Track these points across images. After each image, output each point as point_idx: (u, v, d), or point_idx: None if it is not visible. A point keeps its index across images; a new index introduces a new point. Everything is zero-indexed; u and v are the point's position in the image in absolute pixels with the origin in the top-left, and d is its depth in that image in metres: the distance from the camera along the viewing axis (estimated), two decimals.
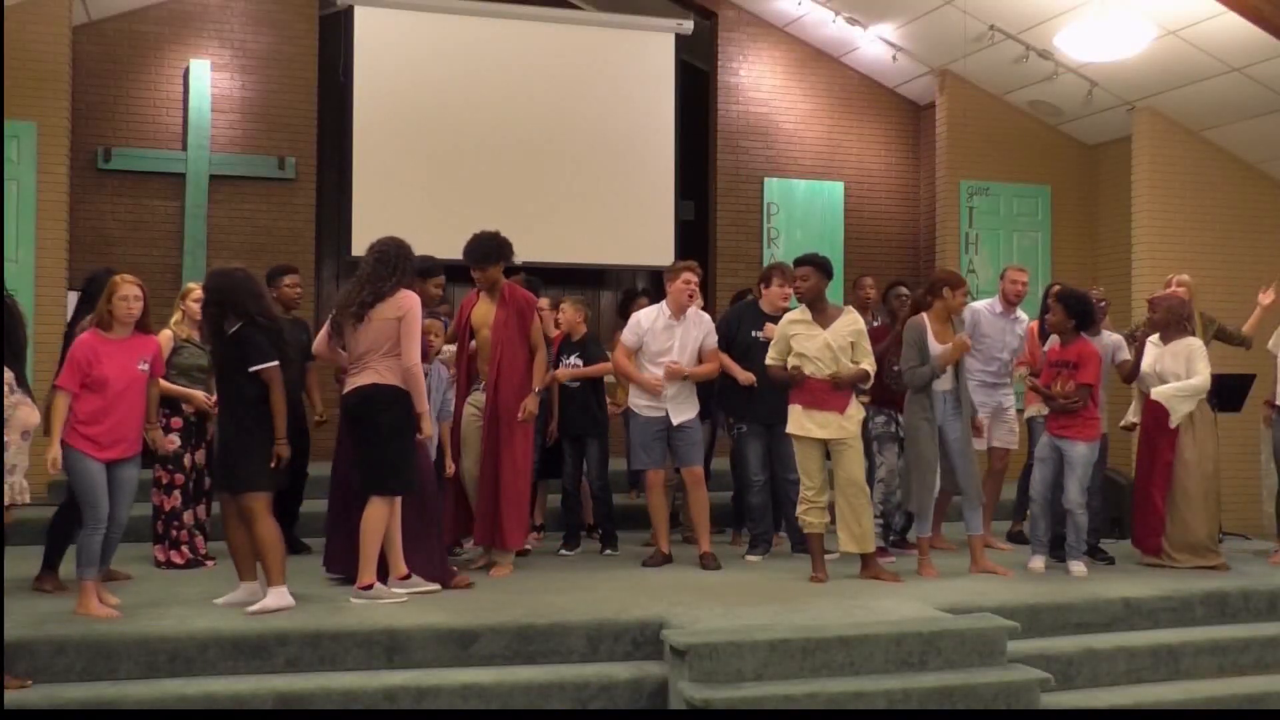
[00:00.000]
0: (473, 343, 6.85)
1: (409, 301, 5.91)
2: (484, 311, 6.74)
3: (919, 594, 6.10)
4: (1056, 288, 8.34)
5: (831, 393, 6.53)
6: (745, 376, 7.18)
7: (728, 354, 7.26)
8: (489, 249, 6.68)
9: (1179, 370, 7.07)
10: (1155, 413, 7.14)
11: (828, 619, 5.47)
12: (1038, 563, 6.95)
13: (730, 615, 5.51)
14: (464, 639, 5.28)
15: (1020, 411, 7.94)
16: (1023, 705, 5.14)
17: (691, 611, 5.54)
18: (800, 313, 6.71)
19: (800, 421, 6.57)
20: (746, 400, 7.21)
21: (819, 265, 6.73)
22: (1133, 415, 7.50)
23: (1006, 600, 5.96)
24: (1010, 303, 7.82)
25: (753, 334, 7.27)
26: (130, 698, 4.78)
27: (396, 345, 5.85)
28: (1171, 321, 7.16)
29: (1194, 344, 7.14)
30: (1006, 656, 5.39)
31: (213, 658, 5.05)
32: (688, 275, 7.11)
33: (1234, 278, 9.89)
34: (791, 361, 6.58)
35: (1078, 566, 6.83)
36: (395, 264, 5.96)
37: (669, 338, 7.07)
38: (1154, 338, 7.28)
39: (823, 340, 6.55)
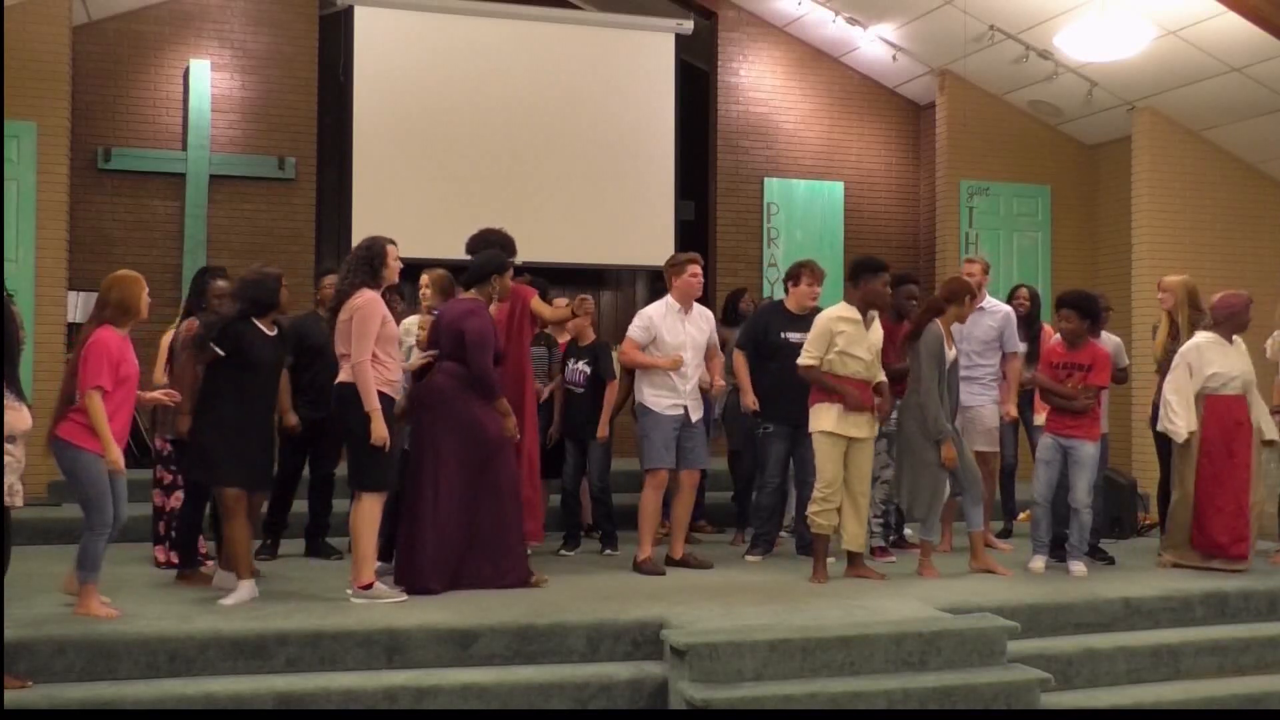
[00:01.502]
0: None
1: (359, 300, 5.90)
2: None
3: (919, 594, 6.10)
4: (1024, 289, 8.31)
5: (868, 392, 6.60)
6: (749, 402, 7.19)
7: (754, 356, 7.22)
8: (495, 244, 6.69)
9: (1250, 367, 7.06)
10: (1236, 414, 7.02)
11: (828, 619, 5.46)
12: (1038, 563, 6.95)
13: (730, 615, 5.51)
14: (464, 639, 5.27)
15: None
16: (1023, 705, 5.14)
17: (691, 611, 5.54)
18: (850, 311, 6.68)
19: (839, 421, 6.54)
20: (775, 400, 7.17)
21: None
22: (1193, 424, 7.10)
23: (1006, 600, 5.95)
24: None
25: (782, 335, 7.23)
26: (130, 698, 4.77)
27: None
28: (1237, 320, 7.12)
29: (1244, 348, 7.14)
30: (1006, 656, 5.38)
31: (213, 658, 5.04)
32: (694, 268, 7.05)
33: (1234, 278, 9.84)
34: (835, 359, 6.57)
35: (1078, 566, 6.83)
36: (353, 266, 6.02)
37: (681, 331, 7.04)
38: (1209, 337, 7.10)
39: (868, 342, 6.63)
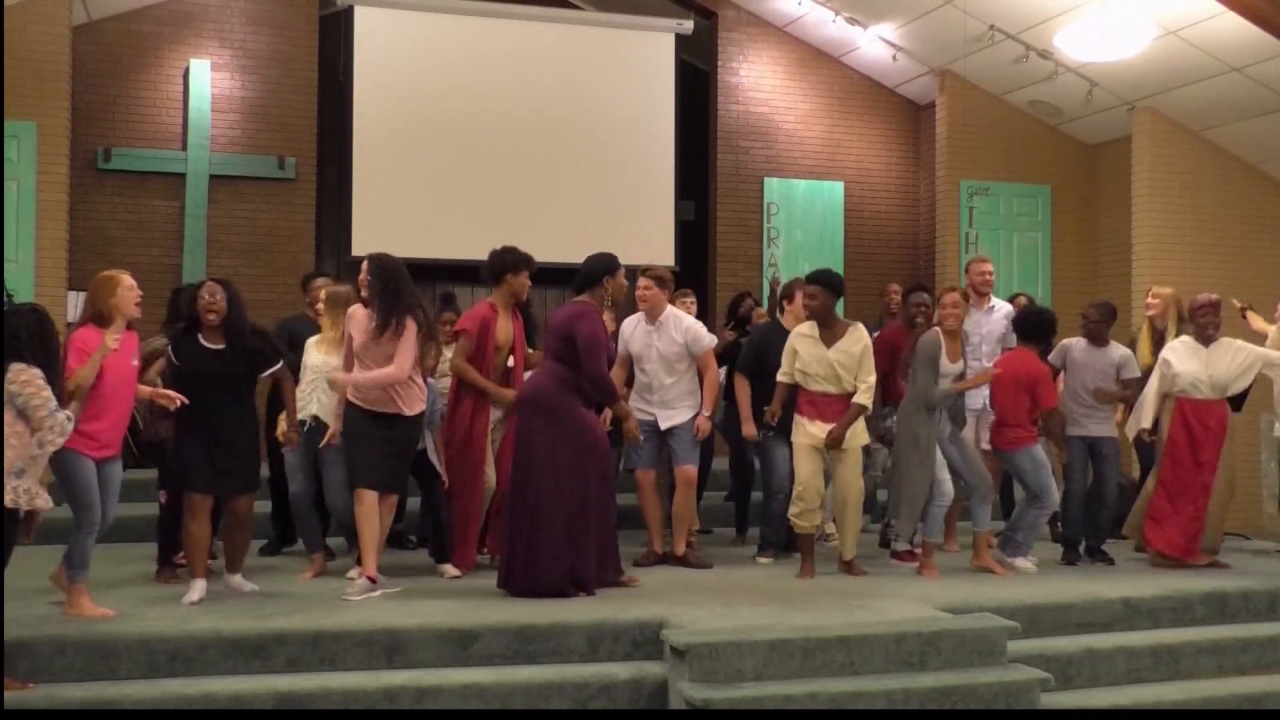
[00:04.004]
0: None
1: None
2: (508, 328, 6.63)
3: (919, 594, 6.10)
4: (1022, 297, 8.35)
5: (834, 404, 6.61)
6: (748, 432, 7.17)
7: (757, 379, 7.13)
8: (514, 262, 6.64)
9: (1235, 372, 7.08)
10: (1201, 415, 7.10)
11: (828, 619, 5.46)
12: (1026, 563, 6.97)
13: (730, 615, 5.51)
14: (464, 639, 5.28)
15: None
16: (1023, 705, 5.14)
17: (691, 611, 5.54)
18: (809, 328, 6.74)
19: (805, 429, 6.66)
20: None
21: (828, 284, 6.75)
22: (1146, 422, 7.32)
23: (1006, 600, 5.96)
24: (980, 294, 7.82)
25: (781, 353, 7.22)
26: (130, 698, 4.77)
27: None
28: (1218, 324, 7.17)
29: (1241, 344, 7.16)
30: (1006, 656, 5.38)
31: (213, 658, 5.05)
32: (641, 280, 7.03)
33: (1234, 278, 9.90)
34: (799, 375, 6.67)
35: (1024, 563, 6.95)
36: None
37: (647, 343, 7.02)
38: (1185, 340, 7.22)
39: (827, 358, 6.61)
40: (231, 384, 5.94)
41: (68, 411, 4.99)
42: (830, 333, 6.68)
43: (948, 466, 6.83)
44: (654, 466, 7.08)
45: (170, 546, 6.46)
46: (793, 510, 6.71)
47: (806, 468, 6.65)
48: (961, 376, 6.86)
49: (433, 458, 6.56)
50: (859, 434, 6.68)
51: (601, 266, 6.36)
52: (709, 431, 7.08)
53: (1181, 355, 7.18)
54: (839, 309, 7.09)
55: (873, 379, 6.66)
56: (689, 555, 6.99)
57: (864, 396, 6.61)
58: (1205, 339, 7.17)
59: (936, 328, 6.83)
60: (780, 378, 6.77)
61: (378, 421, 6.06)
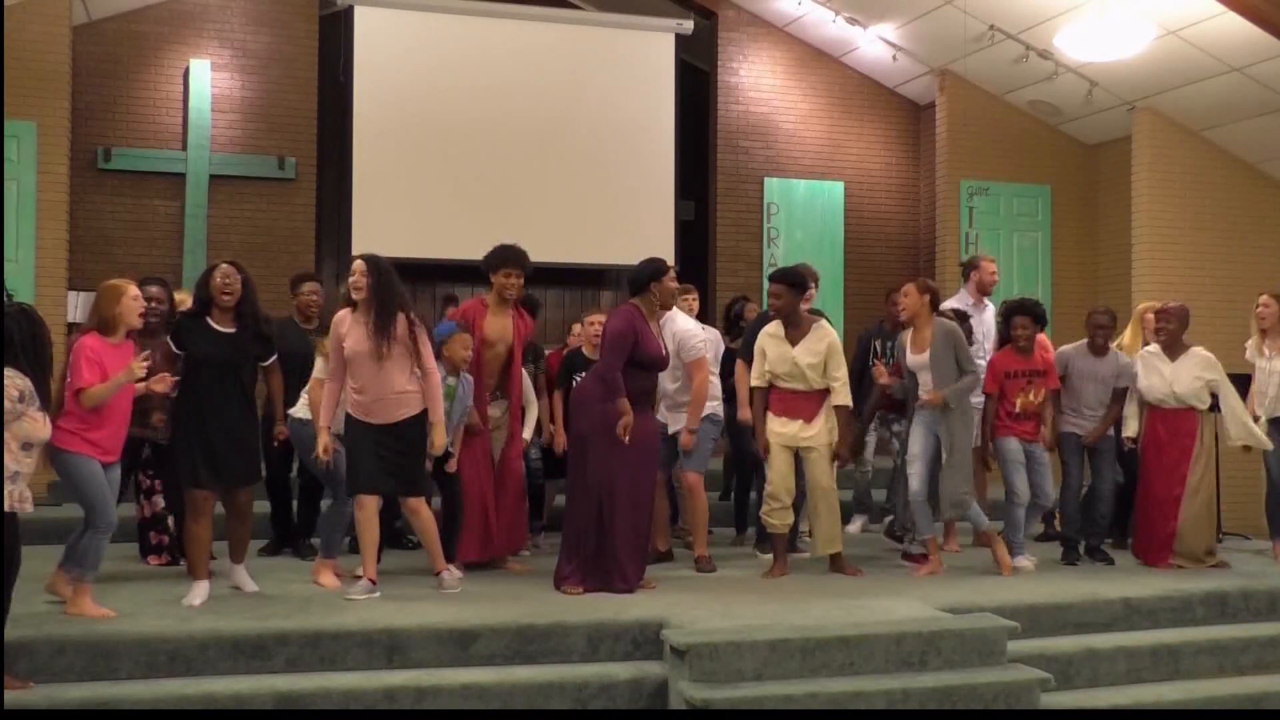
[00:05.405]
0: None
1: None
2: (502, 325, 6.67)
3: (919, 594, 6.10)
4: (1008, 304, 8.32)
5: (802, 401, 6.62)
6: (744, 416, 7.18)
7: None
8: (511, 259, 6.65)
9: (1197, 385, 7.04)
10: (1170, 425, 7.09)
11: (828, 619, 5.46)
12: (1025, 562, 6.96)
13: (730, 615, 5.50)
14: (464, 639, 5.28)
15: None
16: (1023, 705, 5.14)
17: (691, 611, 5.54)
18: (775, 327, 6.75)
19: (774, 428, 6.67)
20: None
21: (789, 282, 6.73)
22: (1127, 431, 7.32)
23: (1006, 600, 5.95)
24: (984, 293, 7.82)
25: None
26: (130, 698, 4.77)
27: None
28: (1181, 333, 7.16)
29: (1206, 355, 7.11)
30: (1006, 656, 5.38)
31: (213, 658, 5.05)
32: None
33: (1234, 278, 9.91)
34: (771, 376, 6.69)
35: (1023, 561, 6.91)
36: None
37: None
38: (1154, 349, 7.23)
39: (790, 357, 6.62)
40: (237, 370, 5.90)
41: (33, 412, 4.83)
42: (796, 331, 6.67)
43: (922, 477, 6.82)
44: (665, 468, 7.03)
45: (149, 544, 6.44)
46: (764, 509, 6.74)
47: (778, 467, 6.65)
48: (930, 369, 6.85)
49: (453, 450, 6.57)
50: (830, 432, 6.67)
51: (648, 272, 6.40)
52: (690, 445, 6.88)
53: (1147, 366, 7.20)
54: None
55: (843, 374, 6.67)
56: (702, 561, 6.95)
57: (841, 396, 6.63)
58: (1165, 348, 7.16)
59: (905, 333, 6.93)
60: (754, 381, 6.78)
61: (379, 430, 5.98)
